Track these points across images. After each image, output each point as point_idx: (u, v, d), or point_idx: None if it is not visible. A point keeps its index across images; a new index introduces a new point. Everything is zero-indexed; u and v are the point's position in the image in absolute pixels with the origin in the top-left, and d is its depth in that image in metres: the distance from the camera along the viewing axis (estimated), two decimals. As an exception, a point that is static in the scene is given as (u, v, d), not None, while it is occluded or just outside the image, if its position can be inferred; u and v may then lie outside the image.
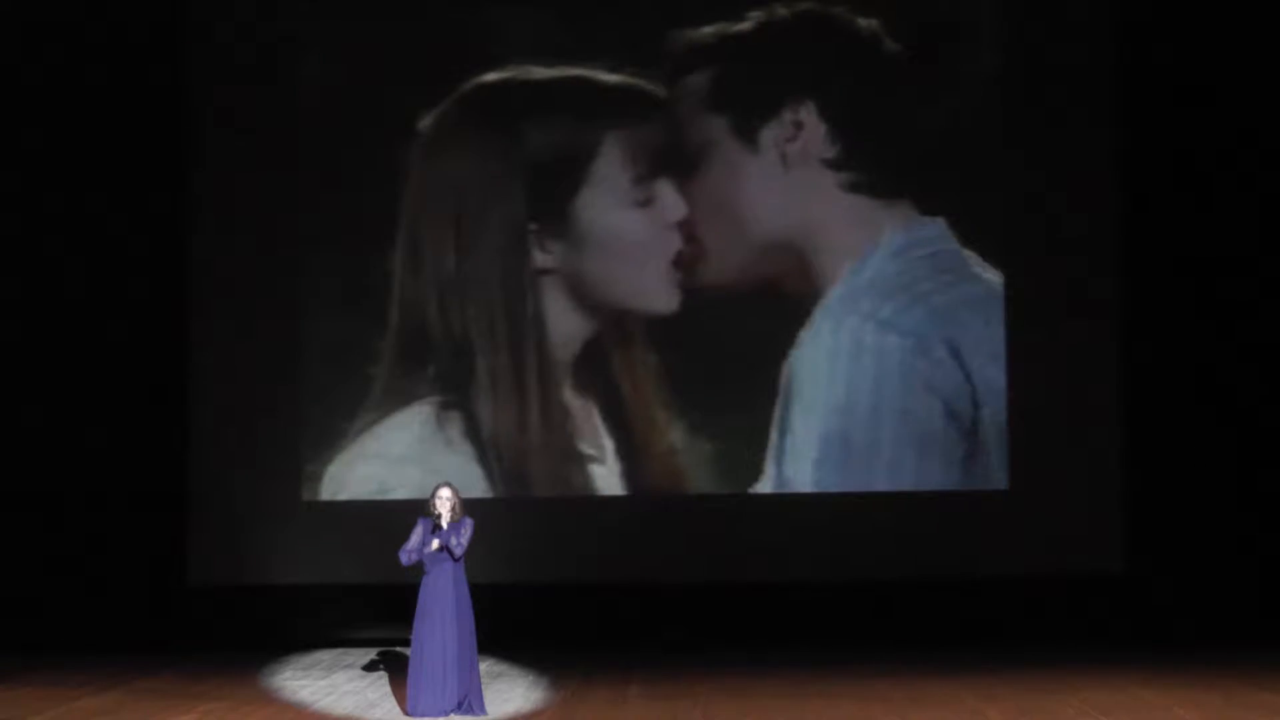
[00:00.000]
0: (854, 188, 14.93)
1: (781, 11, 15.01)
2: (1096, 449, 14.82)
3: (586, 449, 14.93)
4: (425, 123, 15.01)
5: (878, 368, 14.81)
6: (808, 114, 14.94)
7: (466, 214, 14.99)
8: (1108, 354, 14.89)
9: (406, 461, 14.84)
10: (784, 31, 14.98)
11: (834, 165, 14.94)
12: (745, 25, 15.01)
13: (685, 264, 14.86)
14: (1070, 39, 15.02)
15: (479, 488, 14.66)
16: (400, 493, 14.70)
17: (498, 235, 14.96)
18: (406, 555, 11.05)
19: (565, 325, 14.95)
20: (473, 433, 14.89)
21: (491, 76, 15.02)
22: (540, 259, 14.95)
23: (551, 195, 14.92)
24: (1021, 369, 14.83)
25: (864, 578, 14.75)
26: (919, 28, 14.96)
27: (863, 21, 14.93)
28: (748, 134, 14.94)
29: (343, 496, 14.94)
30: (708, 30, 15.00)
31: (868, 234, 14.91)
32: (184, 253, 15.08)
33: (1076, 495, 14.79)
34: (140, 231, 15.01)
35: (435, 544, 10.97)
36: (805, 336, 14.87)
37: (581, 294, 14.95)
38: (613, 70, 14.95)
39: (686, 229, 14.88)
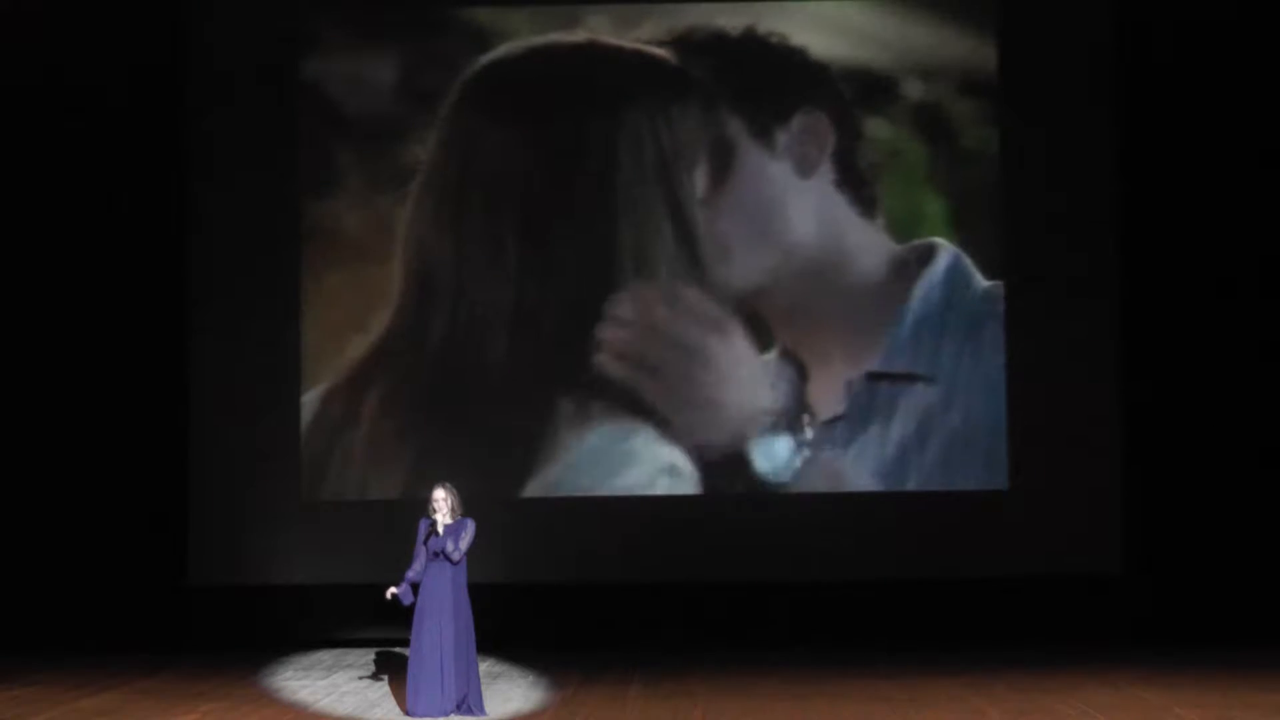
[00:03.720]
0: (846, 197, 14.95)
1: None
2: (1096, 449, 14.82)
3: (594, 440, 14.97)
4: (431, 116, 15.08)
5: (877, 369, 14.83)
6: (817, 121, 14.97)
7: (468, 205, 14.99)
8: (1108, 354, 14.90)
9: (407, 457, 14.84)
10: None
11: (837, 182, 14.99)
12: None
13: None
14: (1070, 39, 15.03)
15: (480, 481, 14.65)
16: (400, 490, 14.72)
17: (499, 223, 14.96)
18: (405, 594, 11.15)
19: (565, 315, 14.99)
20: (476, 426, 14.89)
21: (495, 59, 15.07)
22: (541, 245, 14.97)
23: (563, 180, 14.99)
24: (1021, 369, 14.83)
25: (864, 578, 14.75)
26: (920, 26, 14.97)
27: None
28: (758, 136, 14.99)
29: (343, 496, 14.94)
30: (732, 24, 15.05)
31: (863, 236, 14.93)
32: (184, 252, 15.08)
33: (1076, 495, 14.79)
34: (140, 231, 15.01)
35: (390, 591, 11.12)
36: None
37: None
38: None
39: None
